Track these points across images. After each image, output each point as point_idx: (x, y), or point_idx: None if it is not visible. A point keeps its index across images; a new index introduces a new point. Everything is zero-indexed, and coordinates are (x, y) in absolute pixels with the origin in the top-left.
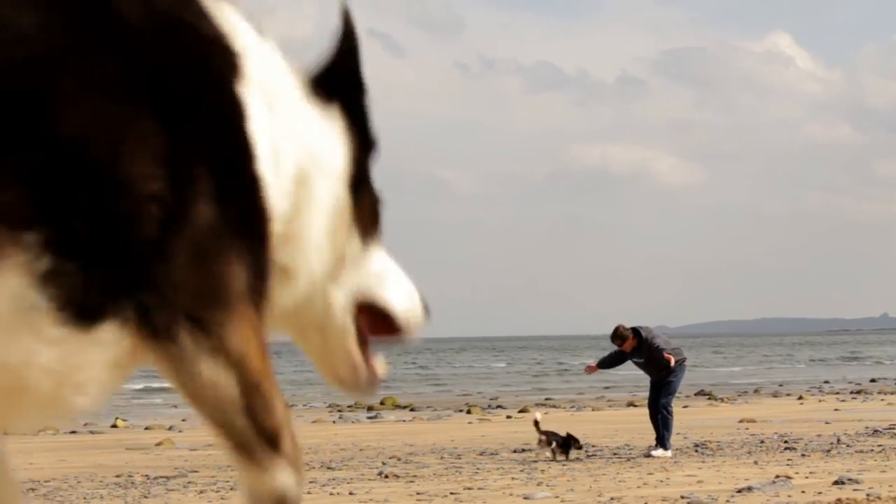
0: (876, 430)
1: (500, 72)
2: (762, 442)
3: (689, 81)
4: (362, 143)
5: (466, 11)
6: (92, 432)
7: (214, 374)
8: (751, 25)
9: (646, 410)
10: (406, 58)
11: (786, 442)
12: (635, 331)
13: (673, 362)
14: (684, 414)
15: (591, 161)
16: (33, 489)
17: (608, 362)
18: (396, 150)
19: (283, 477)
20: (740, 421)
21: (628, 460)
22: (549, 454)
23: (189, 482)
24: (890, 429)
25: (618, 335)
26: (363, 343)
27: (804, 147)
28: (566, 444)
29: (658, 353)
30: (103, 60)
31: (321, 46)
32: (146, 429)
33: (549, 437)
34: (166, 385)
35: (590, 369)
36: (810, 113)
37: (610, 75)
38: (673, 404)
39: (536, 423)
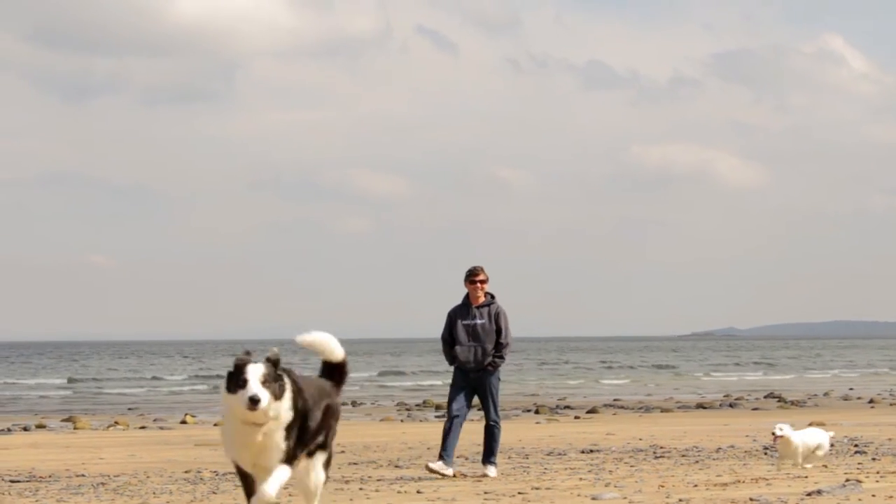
0: None
1: (551, 70)
2: (832, 445)
3: (742, 82)
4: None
5: (517, 8)
6: (162, 428)
7: None
8: (801, 27)
9: (716, 413)
10: (457, 55)
11: (856, 446)
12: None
13: (508, 349)
14: (753, 416)
15: (651, 161)
16: (103, 483)
17: (449, 342)
18: (459, 149)
19: None
20: (810, 424)
21: (696, 462)
22: None
23: None
24: None
25: (475, 272)
26: None
27: (864, 148)
28: None
29: (504, 326)
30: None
31: (378, 43)
32: (215, 425)
33: None
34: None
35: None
36: (867, 114)
37: (662, 76)
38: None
39: None
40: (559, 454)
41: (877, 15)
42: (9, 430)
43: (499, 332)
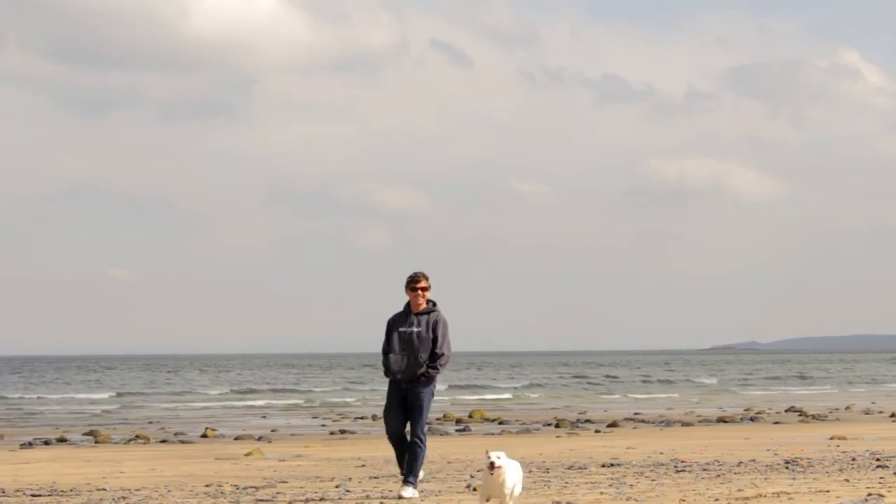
0: None
1: (566, 84)
2: (853, 459)
3: (757, 96)
4: None
5: (532, 21)
6: (182, 442)
7: None
8: (817, 41)
9: (737, 427)
10: (472, 68)
11: (878, 460)
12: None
13: (445, 361)
14: (775, 430)
15: (667, 175)
16: (124, 497)
17: (388, 353)
18: (475, 163)
19: None
20: (831, 438)
21: (718, 476)
22: None
23: (277, 493)
24: None
25: (416, 278)
26: None
27: (882, 161)
28: None
29: (441, 336)
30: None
31: (394, 57)
32: (236, 439)
33: None
34: (255, 396)
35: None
36: (884, 128)
37: (678, 90)
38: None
39: None
40: (580, 468)
41: (893, 29)
42: (30, 444)
43: (434, 341)
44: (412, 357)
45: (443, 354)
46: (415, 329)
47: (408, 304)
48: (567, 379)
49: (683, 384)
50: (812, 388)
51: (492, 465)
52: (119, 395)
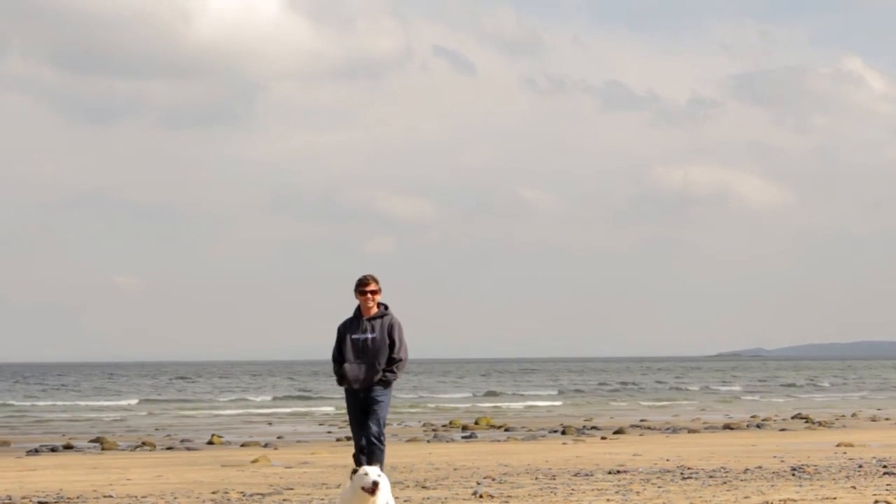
0: None
1: (570, 91)
2: (860, 466)
3: (761, 103)
4: None
5: (535, 28)
6: (189, 449)
7: None
8: (820, 47)
9: (744, 434)
10: (475, 75)
11: (885, 467)
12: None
13: (403, 366)
14: (781, 437)
15: (672, 182)
16: None
17: (339, 361)
18: (479, 170)
19: None
20: (838, 445)
21: (724, 483)
22: None
23: (284, 500)
24: None
25: (365, 281)
26: None
27: (886, 168)
28: None
29: (398, 340)
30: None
31: (398, 64)
32: (242, 446)
33: None
34: (261, 403)
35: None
36: (888, 135)
37: (681, 97)
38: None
39: None
40: (586, 475)
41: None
42: (36, 450)
43: (392, 345)
44: (368, 365)
45: (401, 360)
46: (369, 335)
47: (358, 309)
48: (585, 385)
49: (701, 392)
50: (830, 395)
51: (375, 486)
52: (140, 401)
